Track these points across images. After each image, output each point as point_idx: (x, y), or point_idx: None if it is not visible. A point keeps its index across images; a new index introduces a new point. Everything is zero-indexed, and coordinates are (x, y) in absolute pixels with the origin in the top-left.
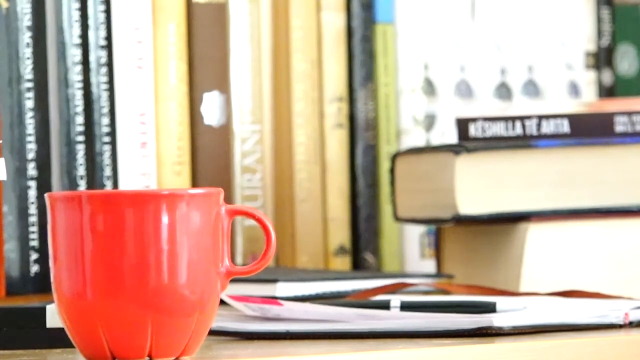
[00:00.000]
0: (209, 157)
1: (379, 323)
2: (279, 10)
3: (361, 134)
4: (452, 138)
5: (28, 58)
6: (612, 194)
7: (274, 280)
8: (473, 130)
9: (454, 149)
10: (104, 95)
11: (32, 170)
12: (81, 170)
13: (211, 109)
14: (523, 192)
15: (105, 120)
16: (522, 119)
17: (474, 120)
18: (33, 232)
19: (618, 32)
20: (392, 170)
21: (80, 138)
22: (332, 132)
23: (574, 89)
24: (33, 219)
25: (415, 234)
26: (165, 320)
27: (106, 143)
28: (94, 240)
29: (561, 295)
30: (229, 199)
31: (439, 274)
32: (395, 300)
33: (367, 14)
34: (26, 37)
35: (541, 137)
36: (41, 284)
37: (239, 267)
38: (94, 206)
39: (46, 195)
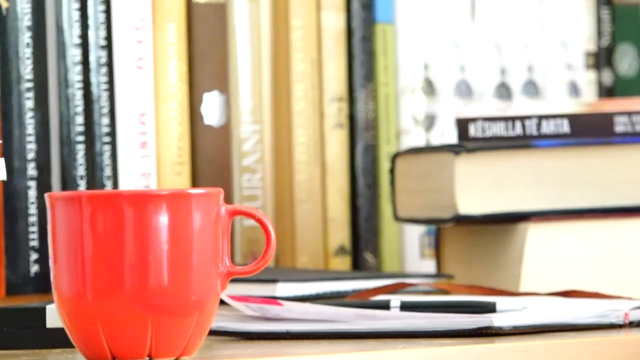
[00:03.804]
0: (209, 157)
1: (379, 323)
2: (279, 10)
3: (361, 134)
4: (452, 138)
5: (28, 58)
6: (612, 194)
7: (274, 281)
8: (473, 130)
9: (454, 149)
10: (104, 95)
11: (32, 170)
12: (81, 170)
13: (211, 109)
14: (523, 192)
15: (105, 120)
16: (522, 119)
17: (474, 120)
18: (33, 232)
19: (618, 32)
20: (392, 170)
21: (80, 138)
22: (332, 132)
23: (574, 89)
24: (33, 219)
25: (415, 234)
26: (165, 320)
27: (106, 143)
28: (94, 240)
29: (561, 295)
30: (229, 199)
31: (439, 274)
32: (395, 300)
33: (367, 14)
34: (26, 37)
35: (541, 137)
36: (41, 284)
37: (239, 267)
38: (94, 206)
39: (46, 195)
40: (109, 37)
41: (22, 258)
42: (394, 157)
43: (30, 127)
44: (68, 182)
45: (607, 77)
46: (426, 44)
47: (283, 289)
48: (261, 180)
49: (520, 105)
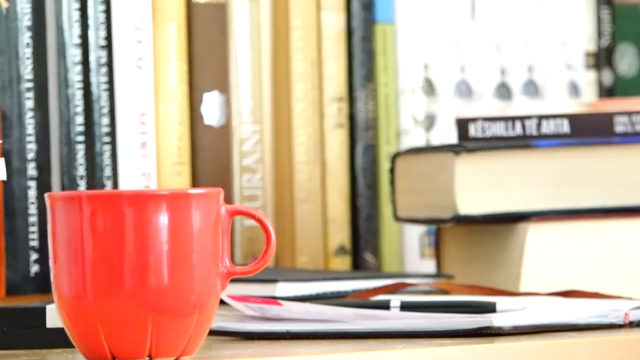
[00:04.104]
0: (209, 157)
1: (379, 323)
2: (279, 10)
3: (361, 134)
4: (452, 138)
5: (28, 58)
6: (612, 194)
7: (274, 280)
8: (473, 130)
9: (454, 149)
10: (104, 95)
11: (32, 170)
12: (81, 170)
13: (211, 109)
14: (523, 192)
15: (105, 120)
16: (522, 119)
17: (474, 120)
18: (33, 232)
19: (618, 32)
20: (392, 170)
21: (80, 138)
22: (332, 132)
23: (574, 89)
24: (33, 219)
25: (415, 234)
26: (165, 320)
27: (106, 143)
28: (94, 240)
29: (561, 295)
30: (229, 199)
31: (439, 274)
32: (395, 300)
33: (367, 14)
34: (26, 37)
35: (541, 137)
36: (41, 284)
37: (239, 267)
38: (94, 206)
39: (46, 195)
40: (109, 37)
41: (22, 258)
42: (394, 157)
43: (30, 127)
44: (68, 182)
45: (607, 77)
46: (426, 44)
47: (283, 289)
48: (261, 180)
49: (520, 105)
